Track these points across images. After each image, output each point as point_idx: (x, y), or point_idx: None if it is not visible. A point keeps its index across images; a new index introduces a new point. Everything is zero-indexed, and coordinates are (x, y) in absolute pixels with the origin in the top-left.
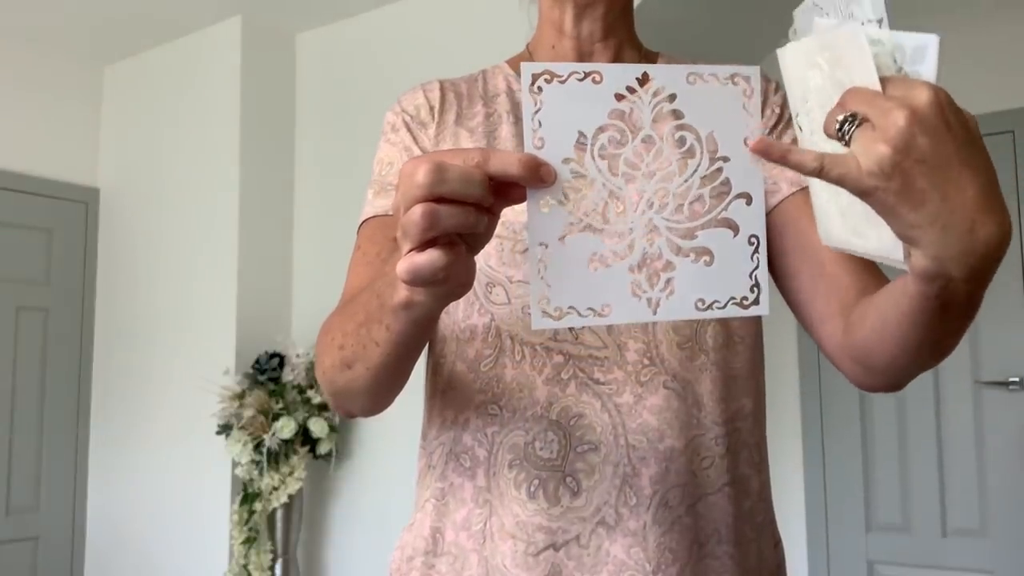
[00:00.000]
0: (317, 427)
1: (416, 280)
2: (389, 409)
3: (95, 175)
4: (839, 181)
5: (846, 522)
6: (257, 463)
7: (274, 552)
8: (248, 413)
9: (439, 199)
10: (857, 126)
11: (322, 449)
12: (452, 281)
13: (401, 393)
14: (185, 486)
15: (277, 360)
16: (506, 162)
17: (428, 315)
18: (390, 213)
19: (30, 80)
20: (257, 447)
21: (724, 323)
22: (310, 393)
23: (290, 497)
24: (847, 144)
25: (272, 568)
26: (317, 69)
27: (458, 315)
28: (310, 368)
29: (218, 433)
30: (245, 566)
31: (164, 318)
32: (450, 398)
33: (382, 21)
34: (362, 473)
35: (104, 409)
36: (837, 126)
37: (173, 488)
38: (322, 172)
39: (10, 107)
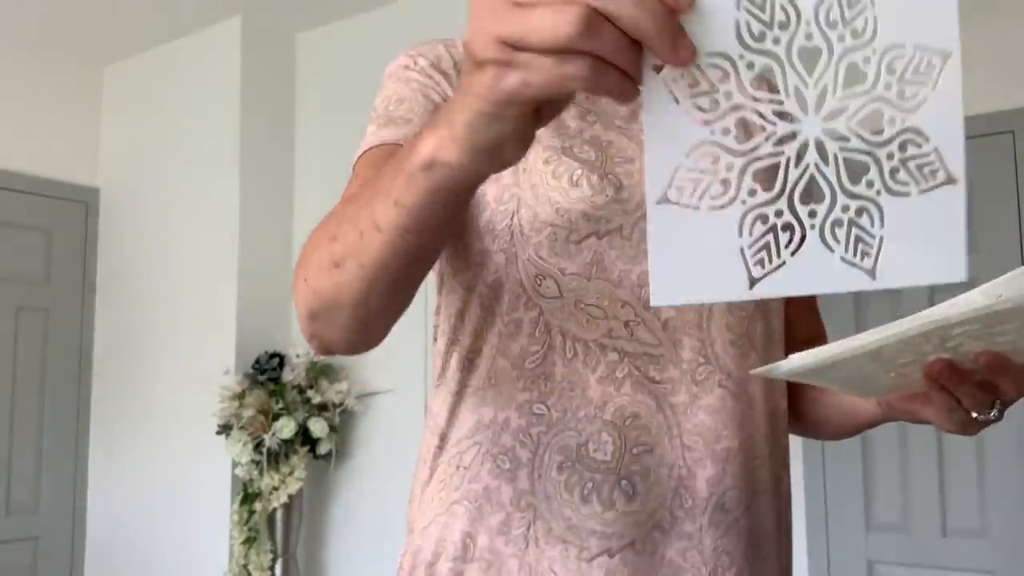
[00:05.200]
0: (317, 427)
1: (508, 90)
2: (389, 409)
3: (95, 175)
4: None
5: (846, 522)
6: (257, 463)
7: (274, 552)
8: (248, 413)
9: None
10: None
11: (322, 449)
12: (517, 136)
13: (401, 393)
14: (185, 486)
15: (277, 360)
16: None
17: (451, 187)
18: (400, 143)
19: (30, 80)
20: (257, 447)
21: (767, 320)
22: (310, 393)
23: (290, 497)
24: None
25: (272, 568)
26: (317, 69)
27: (501, 307)
28: (310, 368)
29: (218, 433)
30: (245, 566)
31: (164, 318)
32: (488, 396)
33: (382, 21)
34: (362, 473)
35: (104, 409)
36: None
37: (173, 488)
38: (322, 172)
39: (10, 107)
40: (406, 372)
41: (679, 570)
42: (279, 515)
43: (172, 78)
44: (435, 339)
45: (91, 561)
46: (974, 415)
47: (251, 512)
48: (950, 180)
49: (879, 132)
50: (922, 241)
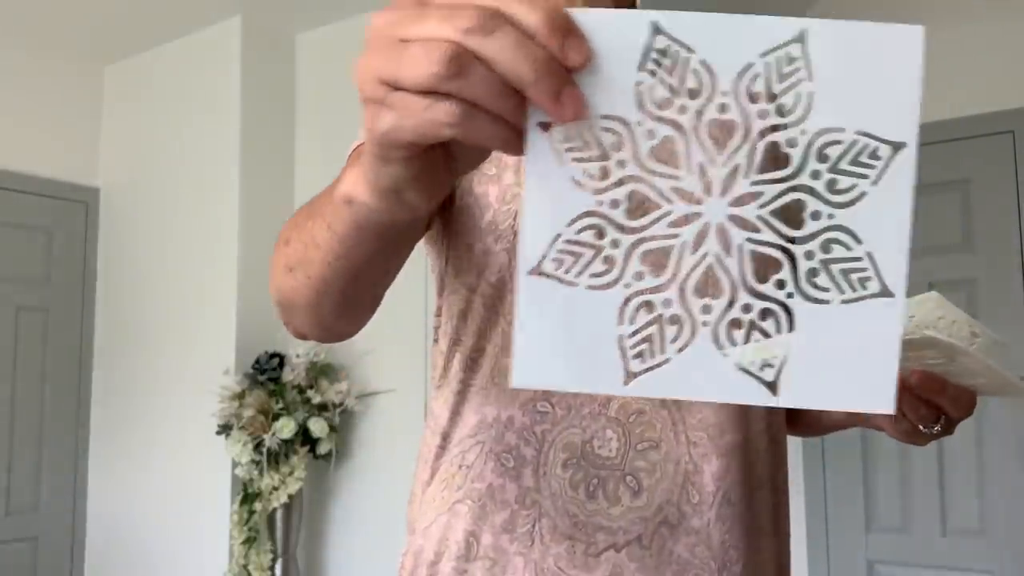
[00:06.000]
0: (317, 427)
1: (382, 132)
2: (389, 409)
3: (95, 175)
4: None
5: (846, 522)
6: (257, 463)
7: (274, 552)
8: (248, 413)
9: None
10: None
11: (322, 449)
12: (415, 182)
13: (401, 393)
14: (185, 486)
15: (277, 360)
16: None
17: (373, 225)
18: None
19: (30, 80)
20: (257, 447)
21: None
22: (310, 393)
23: (290, 497)
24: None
25: (272, 568)
26: (317, 69)
27: (505, 307)
28: (310, 368)
29: (218, 433)
30: (245, 566)
31: (164, 318)
32: (491, 395)
33: None
34: (362, 473)
35: (104, 409)
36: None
37: (173, 488)
38: (322, 172)
39: (10, 107)
40: (406, 372)
41: (687, 565)
42: (279, 515)
43: (172, 78)
44: (436, 340)
45: (91, 561)
46: (920, 427)
47: (251, 512)
48: (884, 293)
49: (799, 226)
50: (841, 360)
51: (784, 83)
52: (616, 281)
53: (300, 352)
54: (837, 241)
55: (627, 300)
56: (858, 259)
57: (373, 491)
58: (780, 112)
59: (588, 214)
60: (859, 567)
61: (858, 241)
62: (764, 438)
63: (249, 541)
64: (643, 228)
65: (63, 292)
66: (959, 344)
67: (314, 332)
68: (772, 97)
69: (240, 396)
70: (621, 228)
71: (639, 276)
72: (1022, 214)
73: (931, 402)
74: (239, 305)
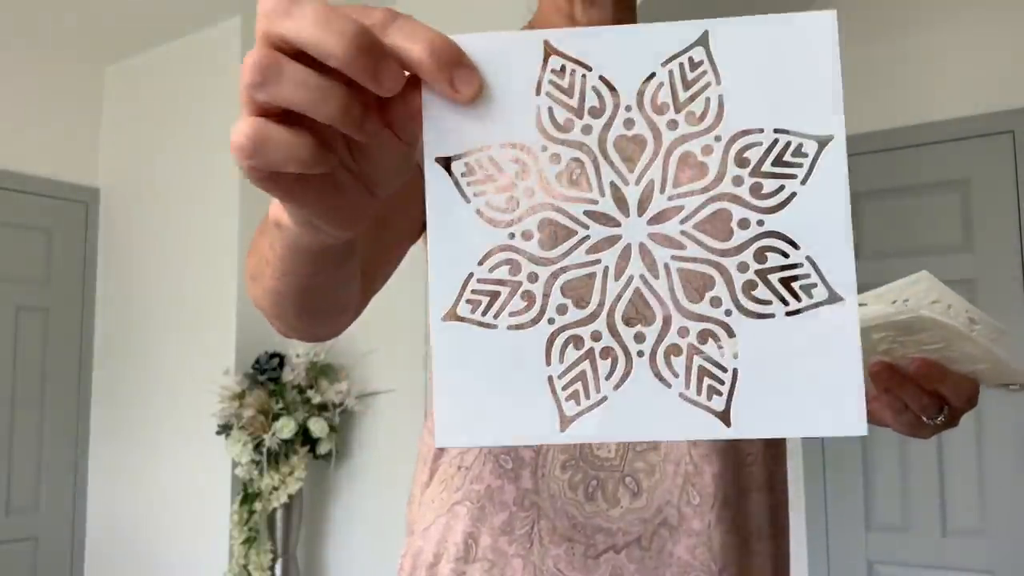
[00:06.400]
0: (317, 427)
1: (245, 157)
2: (389, 409)
3: (95, 175)
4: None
5: (846, 522)
6: (257, 463)
7: (274, 552)
8: (248, 413)
9: (295, 51)
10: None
11: (322, 449)
12: (312, 201)
13: (401, 393)
14: (185, 486)
15: (277, 360)
16: (410, 32)
17: (304, 247)
18: None
19: (30, 80)
20: (257, 447)
21: None
22: (310, 393)
23: (290, 497)
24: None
25: (272, 568)
26: None
27: None
28: (310, 368)
29: (218, 433)
30: (245, 566)
31: (164, 318)
32: None
33: None
34: (362, 473)
35: (104, 409)
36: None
37: (173, 488)
38: None
39: (10, 107)
40: (406, 372)
41: (688, 567)
42: (279, 515)
43: (172, 78)
44: None
45: (91, 561)
46: (923, 418)
47: (251, 512)
48: (832, 298)
49: (727, 237)
50: (796, 379)
51: (690, 90)
52: (539, 318)
53: (300, 352)
54: (772, 248)
55: (553, 337)
56: (798, 265)
57: (373, 491)
58: (690, 120)
59: (500, 248)
60: (859, 567)
61: (795, 246)
62: (761, 441)
63: (249, 541)
64: (560, 257)
65: (63, 292)
66: (963, 328)
67: (290, 334)
68: (681, 106)
69: (240, 396)
70: (537, 260)
71: (563, 310)
72: (1022, 214)
73: (933, 392)
74: (239, 305)
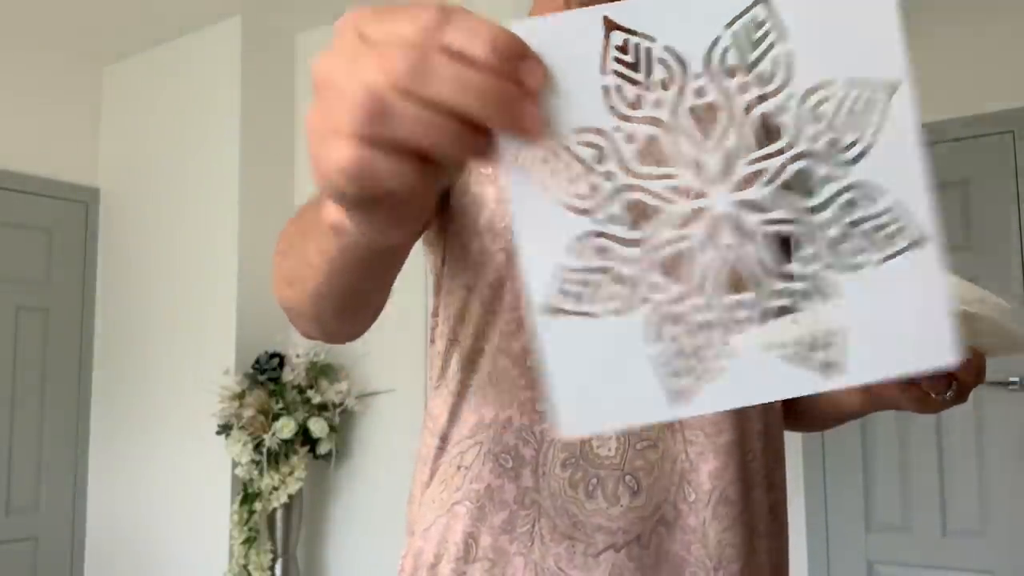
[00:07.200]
0: (317, 427)
1: (332, 189)
2: (389, 409)
3: (95, 175)
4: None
5: (846, 522)
6: (257, 463)
7: (274, 552)
8: (248, 413)
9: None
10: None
11: (322, 449)
12: (395, 208)
13: (401, 393)
14: (185, 486)
15: (277, 360)
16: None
17: (363, 249)
18: None
19: (30, 80)
20: (257, 447)
21: None
22: (310, 393)
23: (290, 497)
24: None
25: (272, 568)
26: None
27: (503, 306)
28: (310, 368)
29: (218, 433)
30: (245, 566)
31: (164, 318)
32: (490, 395)
33: None
34: (362, 473)
35: (104, 409)
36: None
37: (173, 488)
38: None
39: (10, 107)
40: (406, 372)
41: (683, 563)
42: (279, 515)
43: (172, 78)
44: (432, 340)
45: (91, 561)
46: (932, 394)
47: (251, 512)
48: (919, 240)
49: (811, 194)
50: (892, 323)
51: (758, 50)
52: (635, 299)
53: (300, 352)
54: (856, 200)
55: (652, 316)
56: (883, 212)
57: (373, 491)
58: (761, 80)
59: (588, 236)
60: (859, 567)
61: (879, 194)
62: (761, 437)
63: (249, 541)
64: (649, 237)
65: (63, 292)
66: (968, 308)
67: (320, 335)
68: (749, 67)
69: (240, 396)
70: (626, 243)
71: (658, 288)
72: (1022, 214)
73: None
74: (239, 305)
